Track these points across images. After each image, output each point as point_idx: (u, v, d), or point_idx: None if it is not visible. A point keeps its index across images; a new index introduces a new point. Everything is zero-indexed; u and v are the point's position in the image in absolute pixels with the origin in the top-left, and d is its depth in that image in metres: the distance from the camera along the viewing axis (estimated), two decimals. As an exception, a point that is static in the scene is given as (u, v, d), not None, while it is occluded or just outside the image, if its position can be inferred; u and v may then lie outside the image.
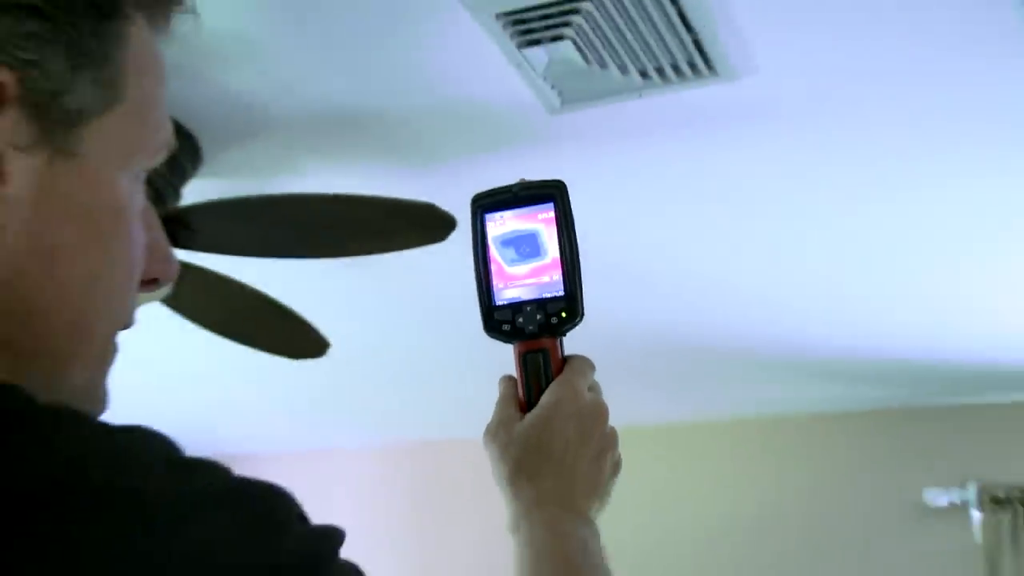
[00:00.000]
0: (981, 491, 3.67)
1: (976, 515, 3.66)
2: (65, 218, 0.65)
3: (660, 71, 2.17)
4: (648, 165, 2.57)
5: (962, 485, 3.72)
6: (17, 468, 0.54)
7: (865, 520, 3.86)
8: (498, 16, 2.05)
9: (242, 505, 0.59)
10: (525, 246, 1.06)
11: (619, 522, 4.68)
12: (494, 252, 1.07)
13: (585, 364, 1.06)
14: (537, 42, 2.11)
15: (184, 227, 2.47)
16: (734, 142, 2.45)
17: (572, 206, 1.05)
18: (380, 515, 4.61)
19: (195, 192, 2.53)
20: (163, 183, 2.51)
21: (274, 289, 2.78)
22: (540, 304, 1.04)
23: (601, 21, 2.03)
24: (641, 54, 2.12)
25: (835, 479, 3.97)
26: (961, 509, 3.71)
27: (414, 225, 2.42)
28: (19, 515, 0.52)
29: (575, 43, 2.09)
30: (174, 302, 2.67)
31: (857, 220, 2.75)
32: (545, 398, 1.02)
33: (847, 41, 2.10)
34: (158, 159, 0.73)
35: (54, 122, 0.64)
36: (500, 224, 1.07)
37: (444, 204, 2.39)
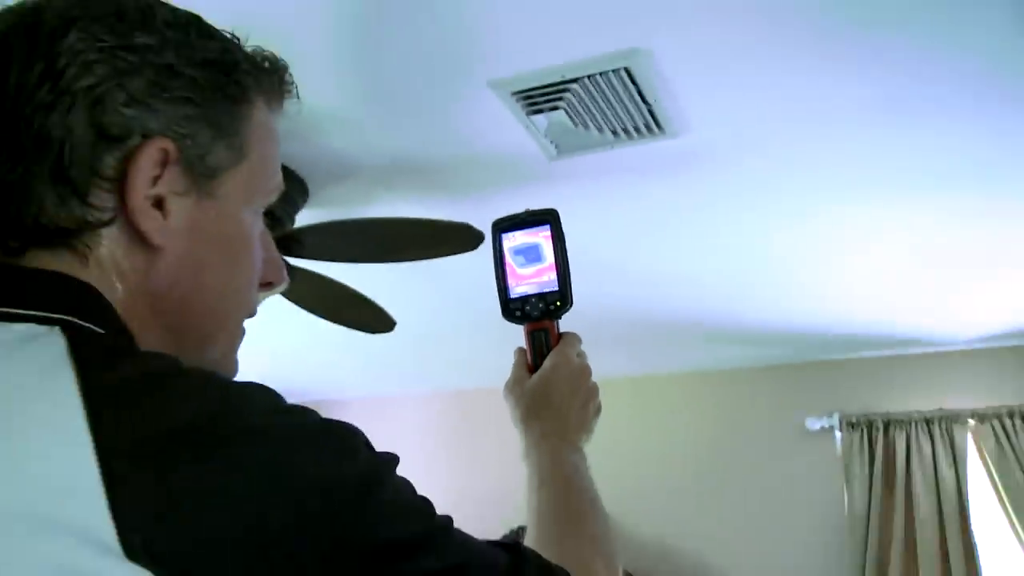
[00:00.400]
0: (842, 419, 3.70)
1: (838, 435, 3.69)
2: (207, 241, 0.68)
3: (625, 131, 2.20)
4: (620, 196, 2.59)
5: (829, 415, 3.74)
6: (183, 406, 0.54)
7: (763, 445, 3.86)
8: (512, 93, 2.08)
9: (327, 436, 0.59)
10: (530, 254, 1.06)
11: (593, 452, 4.69)
12: (508, 260, 1.07)
13: (575, 338, 1.07)
14: (540, 111, 2.14)
15: (297, 242, 2.49)
16: (678, 178, 2.47)
17: (563, 226, 1.06)
18: (425, 449, 4.58)
19: (304, 218, 2.56)
20: (282, 212, 2.53)
21: (359, 284, 2.81)
22: (541, 297, 1.04)
23: (584, 97, 2.07)
24: (612, 119, 2.15)
25: (741, 417, 3.95)
26: (828, 432, 3.74)
27: (455, 239, 2.41)
28: (186, 439, 0.52)
29: (567, 111, 2.12)
30: (289, 294, 2.70)
31: (762, 231, 2.78)
32: (546, 363, 1.03)
33: (750, 100, 2.13)
34: (272, 199, 0.75)
35: (200, 175, 0.67)
36: (512, 240, 1.07)
37: (474, 224, 2.42)
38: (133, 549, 0.48)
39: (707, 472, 3.92)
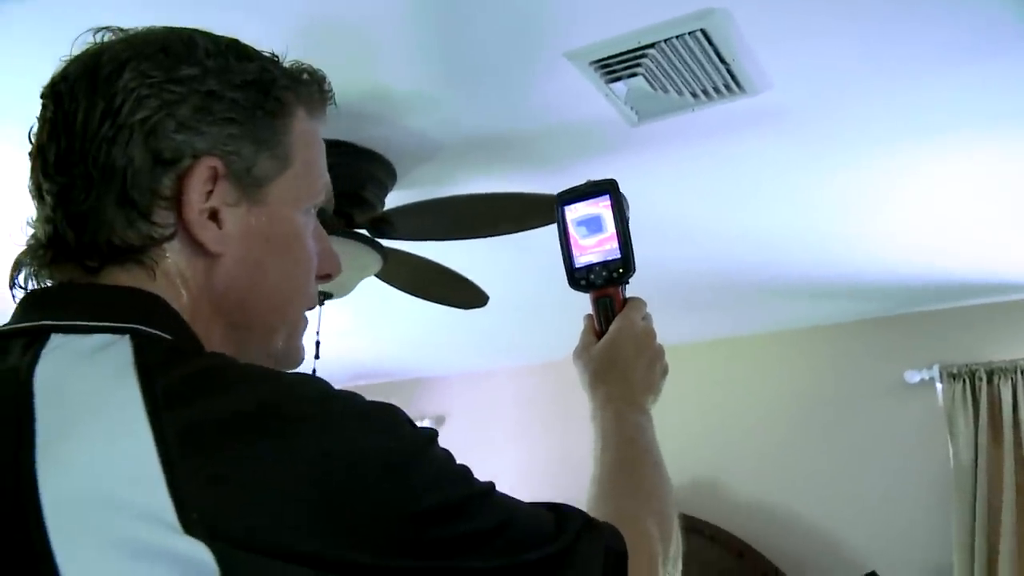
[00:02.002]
0: (942, 370, 3.59)
1: (939, 387, 3.59)
2: (261, 244, 0.74)
3: (705, 92, 2.18)
4: (699, 157, 2.56)
5: (929, 367, 3.64)
6: (233, 396, 0.60)
7: (862, 401, 3.77)
8: (590, 63, 2.08)
9: (371, 415, 0.64)
10: (592, 225, 1.07)
11: (666, 415, 4.68)
12: (571, 231, 1.08)
13: (639, 302, 1.08)
14: (619, 78, 2.13)
15: (388, 225, 2.55)
16: (758, 137, 2.44)
17: (623, 195, 1.06)
18: (522, 420, 4.61)
19: (393, 200, 2.61)
20: (372, 196, 2.58)
21: (451, 262, 2.85)
22: (604, 265, 1.06)
23: (662, 61, 2.06)
24: (691, 81, 2.14)
25: (837, 374, 3.86)
26: (929, 384, 3.63)
27: (542, 211, 2.42)
28: (238, 424, 0.59)
29: (645, 77, 2.12)
30: (384, 275, 2.76)
31: (850, 183, 2.72)
32: (612, 327, 1.05)
33: (829, 58, 2.09)
34: (321, 198, 0.81)
35: (248, 186, 0.74)
36: (574, 211, 1.08)
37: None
38: (190, 524, 0.54)
39: (805, 431, 3.86)
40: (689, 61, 2.05)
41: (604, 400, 1.00)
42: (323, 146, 0.82)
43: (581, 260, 1.07)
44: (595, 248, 1.07)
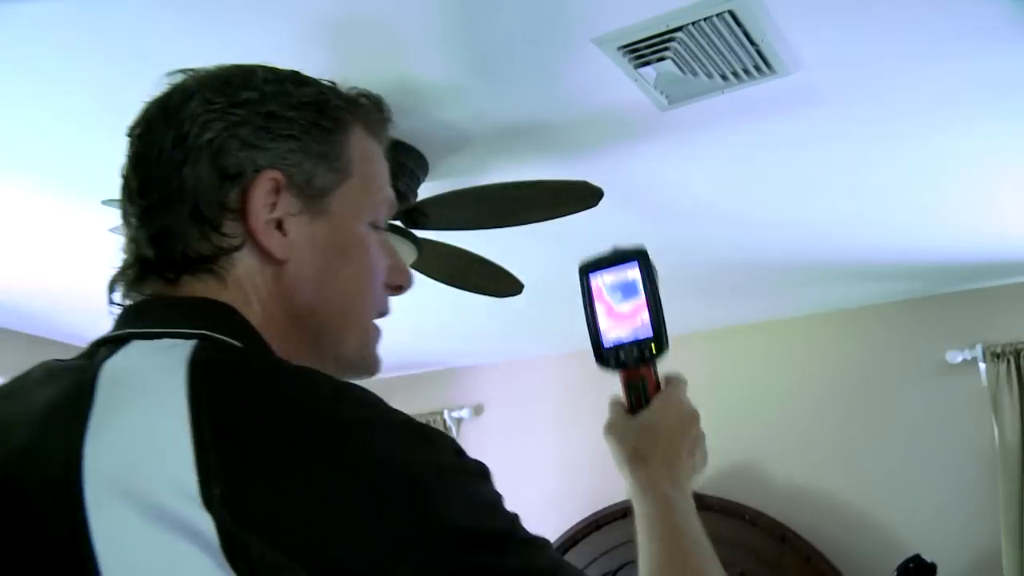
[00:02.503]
0: (985, 349, 3.53)
1: (983, 367, 3.53)
2: (324, 251, 0.79)
3: (735, 74, 2.17)
4: (732, 140, 2.54)
5: (971, 346, 3.58)
6: (270, 393, 0.64)
7: (903, 382, 3.72)
8: (618, 48, 2.08)
9: (410, 429, 0.65)
10: (621, 296, 0.99)
11: (707, 399, 4.64)
12: (597, 304, 1.00)
13: (682, 381, 1.01)
14: (647, 63, 2.13)
15: (421, 215, 2.56)
16: (790, 118, 2.42)
17: (653, 264, 0.98)
18: (562, 408, 4.57)
19: (426, 191, 2.63)
20: (404, 187, 2.60)
21: (486, 250, 2.85)
22: (636, 343, 0.98)
23: (691, 44, 2.05)
24: (720, 64, 2.13)
25: (877, 356, 3.81)
26: (972, 364, 3.57)
27: (574, 197, 2.43)
28: (292, 423, 0.61)
29: (674, 61, 2.11)
30: (419, 265, 2.77)
31: (885, 161, 2.69)
32: (654, 403, 0.97)
33: (860, 36, 2.06)
34: (383, 211, 0.85)
35: (309, 196, 0.78)
36: (600, 282, 1.00)
37: (592, 181, 2.43)
38: (211, 500, 0.57)
39: (846, 413, 3.83)
40: (718, 43, 2.04)
41: (647, 483, 0.93)
42: (385, 164, 0.87)
43: (610, 337, 1.00)
44: (625, 323, 0.99)
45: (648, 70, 2.15)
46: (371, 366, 0.85)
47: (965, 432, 3.54)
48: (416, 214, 2.55)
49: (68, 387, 0.68)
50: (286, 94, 0.79)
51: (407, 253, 2.61)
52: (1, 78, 2.33)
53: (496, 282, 2.98)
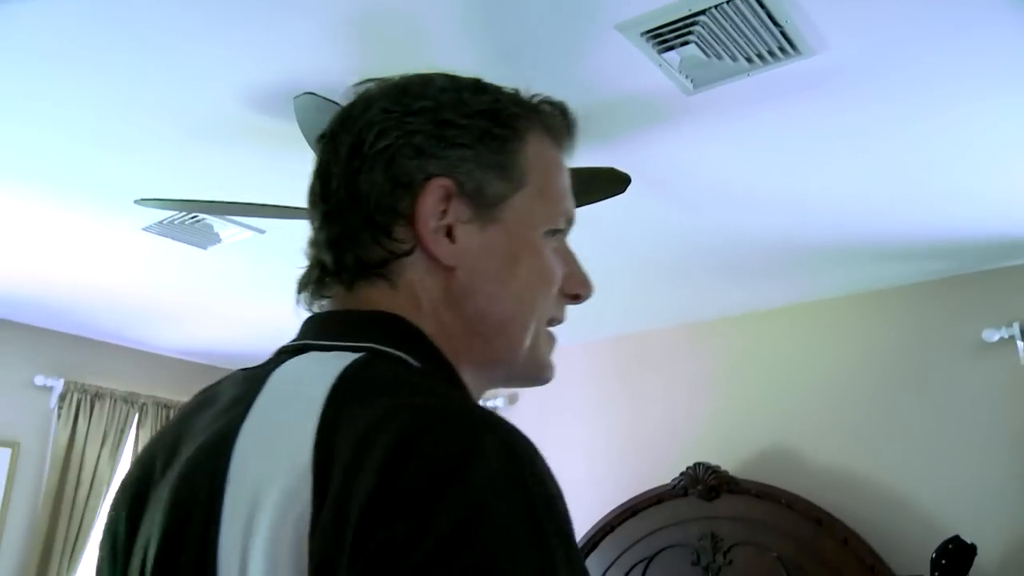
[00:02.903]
0: (1022, 327, 3.49)
1: (1020, 345, 3.48)
2: (495, 259, 0.79)
3: (759, 56, 2.17)
4: (759, 122, 2.54)
5: (1008, 324, 3.53)
6: (387, 431, 0.59)
7: (939, 362, 3.67)
8: (641, 34, 2.09)
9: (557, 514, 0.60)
10: None
11: (743, 384, 4.60)
12: None
13: None
14: (671, 47, 2.14)
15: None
16: (817, 98, 2.41)
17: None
18: (594, 394, 4.61)
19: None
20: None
21: None
22: None
23: (715, 28, 2.05)
24: (744, 46, 2.12)
25: (912, 336, 3.77)
26: (1009, 342, 3.52)
27: (602, 184, 2.43)
28: (383, 467, 0.57)
29: (698, 45, 2.11)
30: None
31: (914, 139, 2.67)
32: None
33: (884, 11, 2.05)
34: (560, 222, 0.84)
35: (481, 204, 0.78)
36: None
37: (618, 167, 2.44)
38: (314, 531, 0.58)
39: (881, 395, 3.80)
40: (741, 25, 2.03)
41: None
42: (565, 171, 0.87)
43: None
44: None
45: (672, 55, 2.16)
46: (544, 373, 0.85)
47: (1003, 411, 3.50)
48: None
49: (238, 394, 0.72)
50: (461, 102, 0.80)
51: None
52: (30, 76, 2.38)
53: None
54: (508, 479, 0.58)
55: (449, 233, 0.77)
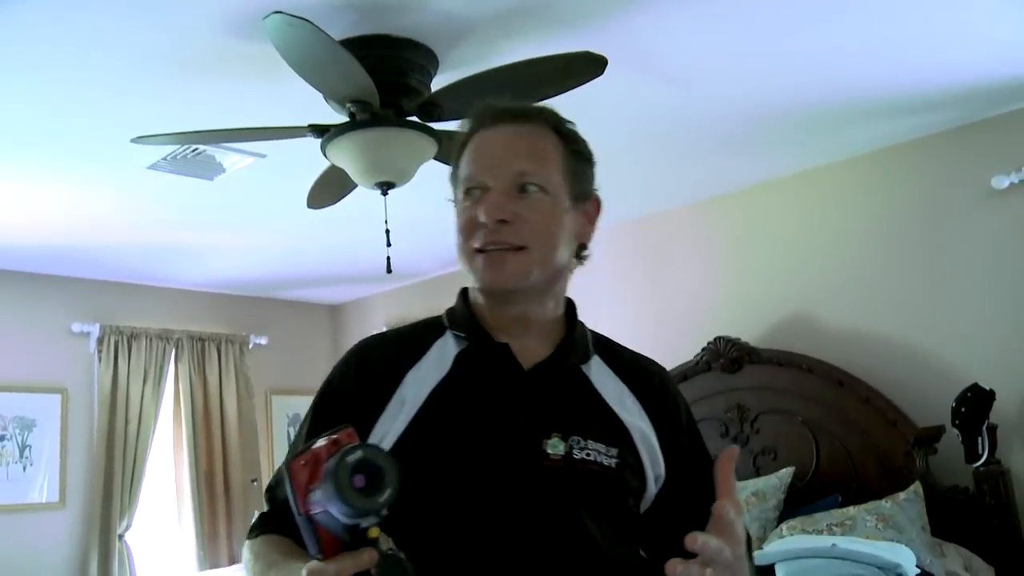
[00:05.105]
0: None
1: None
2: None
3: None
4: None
5: (1018, 169, 3.48)
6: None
7: (948, 213, 3.64)
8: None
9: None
10: None
11: (759, 254, 4.59)
12: None
13: None
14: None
15: (436, 107, 2.63)
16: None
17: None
18: (617, 279, 4.66)
19: (438, 84, 2.69)
20: (417, 83, 2.67)
21: None
22: None
23: None
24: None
25: (920, 190, 3.74)
26: (1019, 187, 3.47)
27: (579, 68, 2.47)
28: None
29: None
30: (442, 157, 2.82)
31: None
32: None
33: None
34: (461, 192, 1.23)
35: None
36: None
37: (593, 50, 2.45)
38: None
39: (892, 254, 3.81)
40: None
41: None
42: (466, 152, 1.24)
43: None
44: None
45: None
46: (477, 277, 1.20)
47: (1016, 256, 3.51)
48: (431, 107, 2.62)
49: None
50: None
51: (428, 147, 2.69)
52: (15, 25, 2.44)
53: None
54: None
55: None
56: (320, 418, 1.19)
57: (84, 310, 5.18)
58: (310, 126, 2.72)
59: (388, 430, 1.14)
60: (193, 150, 3.37)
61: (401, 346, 1.22)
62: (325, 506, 0.83)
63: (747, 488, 3.61)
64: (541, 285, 1.22)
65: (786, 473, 3.63)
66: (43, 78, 2.72)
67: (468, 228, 1.18)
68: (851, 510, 3.31)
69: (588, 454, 1.14)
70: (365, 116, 2.59)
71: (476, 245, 1.17)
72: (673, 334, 4.36)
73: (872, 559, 2.71)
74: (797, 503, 3.57)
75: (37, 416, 4.91)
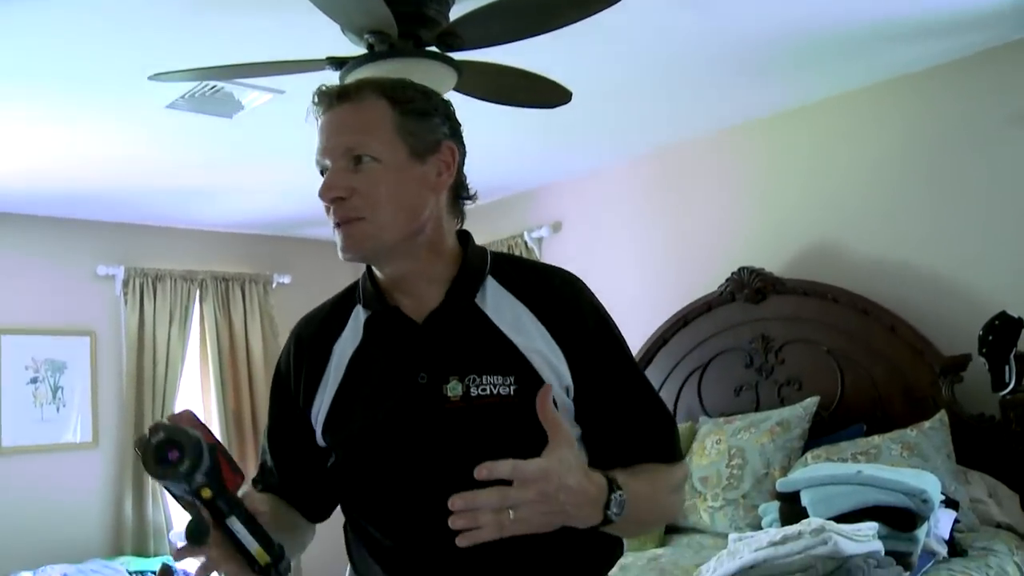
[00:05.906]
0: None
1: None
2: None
3: None
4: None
5: None
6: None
7: (977, 138, 3.57)
8: None
9: None
10: None
11: (782, 184, 4.54)
12: None
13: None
14: None
15: (455, 36, 2.59)
16: None
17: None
18: (641, 212, 4.65)
19: (455, 13, 2.65)
20: (434, 12, 2.62)
21: (530, 62, 2.84)
22: None
23: None
24: None
25: (940, 119, 3.66)
26: None
27: (544, 93, 2.43)
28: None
29: None
30: (462, 88, 2.80)
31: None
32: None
33: None
34: (319, 168, 1.31)
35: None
36: None
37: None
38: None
39: (917, 182, 3.74)
40: None
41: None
42: (319, 134, 1.30)
43: None
44: None
45: None
46: (338, 252, 1.28)
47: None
48: (449, 37, 2.59)
49: None
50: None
51: (447, 77, 2.66)
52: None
53: (543, 94, 3.00)
54: None
55: None
56: (274, 401, 1.42)
57: (108, 253, 5.22)
58: (328, 59, 2.69)
59: (322, 402, 1.31)
60: (211, 87, 3.35)
61: (327, 321, 1.38)
62: None
63: (772, 418, 3.62)
64: (401, 245, 1.28)
65: (811, 403, 3.64)
66: (58, 12, 2.71)
67: (325, 207, 1.27)
68: (876, 439, 3.32)
69: (484, 389, 1.22)
70: (383, 47, 2.56)
71: (333, 221, 1.27)
72: (697, 265, 4.35)
73: (898, 485, 2.72)
74: (822, 433, 3.58)
75: (68, 359, 4.99)
